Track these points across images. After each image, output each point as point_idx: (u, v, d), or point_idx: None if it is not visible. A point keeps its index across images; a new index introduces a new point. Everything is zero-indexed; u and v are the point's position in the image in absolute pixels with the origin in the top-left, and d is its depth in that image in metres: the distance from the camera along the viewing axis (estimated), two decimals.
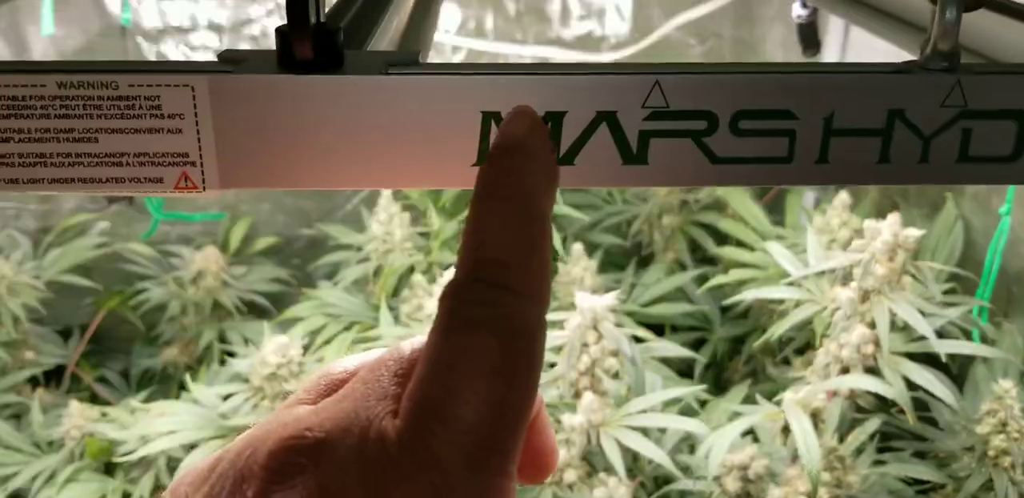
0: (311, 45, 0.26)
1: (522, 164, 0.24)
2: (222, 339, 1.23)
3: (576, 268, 1.01)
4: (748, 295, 0.87)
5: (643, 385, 0.74)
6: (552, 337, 0.75)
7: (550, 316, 0.73)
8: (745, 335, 1.15)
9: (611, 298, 0.75)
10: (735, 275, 1.02)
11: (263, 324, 1.24)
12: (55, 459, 0.98)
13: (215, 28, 1.29)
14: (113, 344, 1.40)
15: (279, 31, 0.26)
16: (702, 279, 1.12)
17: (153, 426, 0.88)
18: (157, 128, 0.26)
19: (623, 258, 1.22)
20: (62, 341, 1.32)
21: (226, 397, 0.91)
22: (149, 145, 0.27)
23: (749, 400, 0.87)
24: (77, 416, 1.01)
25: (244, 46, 1.28)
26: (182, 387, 1.24)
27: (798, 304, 0.81)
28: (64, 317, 1.34)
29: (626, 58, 1.30)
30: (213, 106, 0.26)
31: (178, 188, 0.27)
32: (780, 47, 1.32)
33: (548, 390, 0.74)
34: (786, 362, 1.01)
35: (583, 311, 0.74)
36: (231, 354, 1.21)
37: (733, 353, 1.15)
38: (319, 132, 0.26)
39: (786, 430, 0.73)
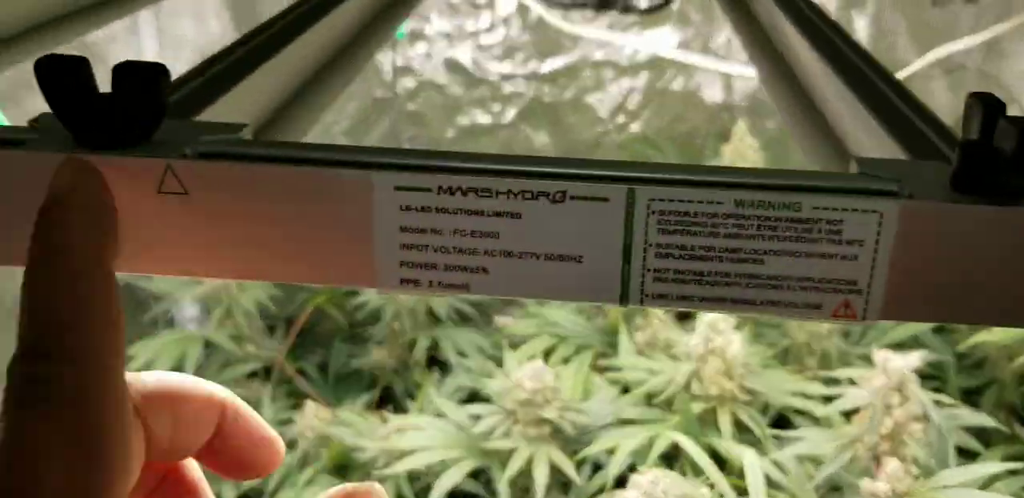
0: None
1: (63, 218, 0.23)
2: (434, 346, 1.24)
3: None
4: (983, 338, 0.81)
5: (947, 454, 0.70)
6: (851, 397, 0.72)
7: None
8: (981, 387, 1.09)
9: (916, 359, 0.71)
10: None
11: (473, 334, 1.25)
12: (290, 458, 1.01)
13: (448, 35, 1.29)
14: (313, 338, 1.44)
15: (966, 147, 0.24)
16: (939, 326, 1.06)
17: (405, 440, 0.89)
18: (831, 253, 0.25)
19: None
20: (268, 335, 1.35)
21: (469, 415, 0.91)
22: (816, 270, 0.25)
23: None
24: (311, 417, 1.03)
25: (468, 54, 1.28)
26: (386, 390, 1.26)
27: None
28: (268, 312, 1.38)
29: None
30: (898, 234, 0.24)
31: (835, 316, 0.25)
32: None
33: (846, 452, 0.71)
34: None
35: (887, 372, 0.70)
36: (443, 362, 1.22)
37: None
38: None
39: None
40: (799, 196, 0.24)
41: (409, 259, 0.25)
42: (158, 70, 0.24)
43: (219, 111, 0.29)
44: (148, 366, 1.11)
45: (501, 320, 1.30)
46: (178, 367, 1.12)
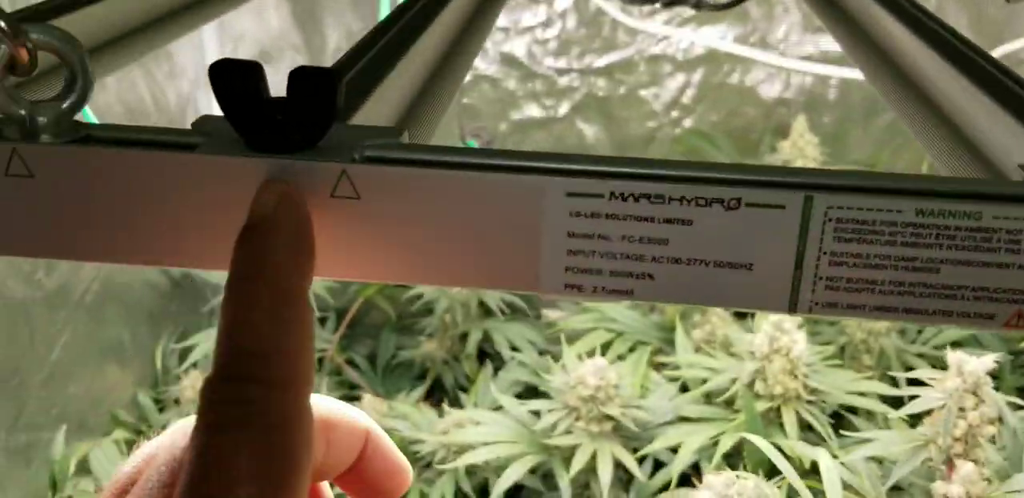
0: None
1: (269, 241, 0.23)
2: (484, 339, 1.24)
3: None
4: None
5: (1022, 457, 0.69)
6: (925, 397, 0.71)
7: None
8: None
9: (990, 361, 0.70)
10: None
11: (524, 327, 1.25)
12: None
13: None
14: (362, 330, 1.44)
15: None
16: None
17: (467, 435, 0.89)
18: (1008, 263, 0.24)
19: None
20: (320, 325, 1.36)
21: (524, 410, 0.91)
22: (992, 280, 0.24)
23: None
24: (368, 409, 1.04)
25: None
26: (437, 381, 1.26)
27: None
28: (321, 303, 1.39)
29: None
30: None
31: (1008, 326, 0.25)
32: None
33: (919, 453, 0.70)
34: None
35: (963, 374, 0.69)
36: (492, 355, 1.22)
37: None
38: None
39: None
40: (980, 205, 0.24)
41: (574, 265, 0.25)
42: (333, 75, 0.24)
43: (368, 113, 0.29)
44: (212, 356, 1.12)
45: (550, 313, 1.30)
46: None
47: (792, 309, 0.25)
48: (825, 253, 0.24)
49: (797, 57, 1.26)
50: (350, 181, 0.24)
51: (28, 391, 0.88)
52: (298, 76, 0.24)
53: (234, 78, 0.24)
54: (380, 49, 0.34)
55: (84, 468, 0.96)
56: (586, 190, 0.24)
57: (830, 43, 1.27)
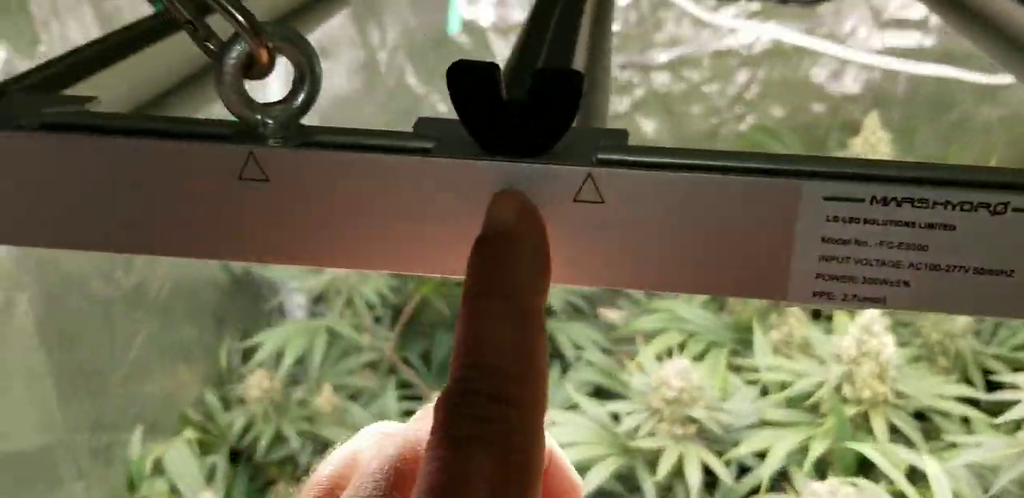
0: None
1: (511, 255, 0.22)
2: (549, 339, 1.23)
3: None
4: None
5: None
6: None
7: None
8: None
9: None
10: None
11: (586, 327, 1.24)
12: None
13: None
14: (417, 328, 1.44)
15: None
16: None
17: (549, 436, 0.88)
18: None
19: None
20: (375, 323, 1.35)
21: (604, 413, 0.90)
22: None
23: None
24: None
25: None
26: None
27: None
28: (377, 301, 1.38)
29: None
30: None
31: None
32: None
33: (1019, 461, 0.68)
34: None
35: None
36: (557, 356, 1.21)
37: None
38: None
39: None
40: None
41: (827, 271, 0.24)
42: (579, 76, 0.22)
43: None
44: (278, 355, 1.11)
45: (608, 313, 1.28)
46: (307, 356, 1.13)
47: None
48: None
49: (864, 51, 1.23)
50: (595, 185, 0.23)
51: (109, 391, 0.87)
52: (543, 76, 0.22)
53: (472, 80, 0.22)
54: (550, 46, 0.33)
55: (158, 469, 0.96)
56: (846, 194, 0.23)
57: (898, 38, 1.24)
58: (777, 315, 1.03)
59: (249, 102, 0.23)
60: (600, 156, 0.24)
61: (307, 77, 0.23)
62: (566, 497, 0.28)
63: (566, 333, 1.21)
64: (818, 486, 0.67)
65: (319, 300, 1.35)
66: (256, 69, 0.22)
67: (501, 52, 1.28)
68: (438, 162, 0.23)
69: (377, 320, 1.36)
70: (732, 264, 0.24)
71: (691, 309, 1.08)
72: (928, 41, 1.23)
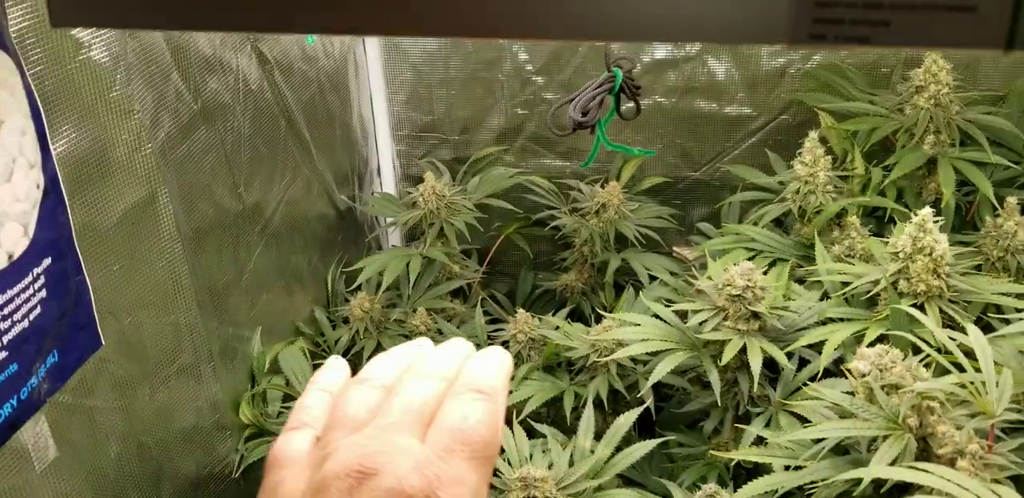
0: None
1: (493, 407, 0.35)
2: (620, 271, 1.31)
3: None
4: None
5: None
6: None
7: None
8: None
9: None
10: None
11: (659, 256, 1.31)
12: None
13: None
14: (501, 267, 1.53)
15: None
16: None
17: (622, 333, 0.96)
18: None
19: None
20: (464, 256, 1.45)
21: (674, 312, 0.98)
22: None
23: None
24: (521, 323, 1.12)
25: None
26: (577, 308, 1.33)
27: None
28: (464, 238, 1.47)
29: None
30: None
31: None
32: None
33: None
34: None
35: None
36: (625, 287, 1.28)
37: None
38: None
39: None
40: None
41: (821, 16, 0.32)
42: None
43: None
44: (378, 277, 1.22)
45: (681, 251, 1.35)
46: (403, 278, 1.24)
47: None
48: None
49: None
50: None
51: (233, 292, 0.99)
52: None
53: None
54: None
55: (274, 368, 1.08)
56: None
57: None
58: (839, 231, 1.09)
59: None
60: None
61: None
62: None
63: (641, 262, 1.29)
64: (868, 351, 0.73)
65: (413, 235, 1.45)
66: None
67: None
68: None
69: (467, 254, 1.45)
70: (735, 12, 0.32)
71: (758, 230, 1.15)
72: None
